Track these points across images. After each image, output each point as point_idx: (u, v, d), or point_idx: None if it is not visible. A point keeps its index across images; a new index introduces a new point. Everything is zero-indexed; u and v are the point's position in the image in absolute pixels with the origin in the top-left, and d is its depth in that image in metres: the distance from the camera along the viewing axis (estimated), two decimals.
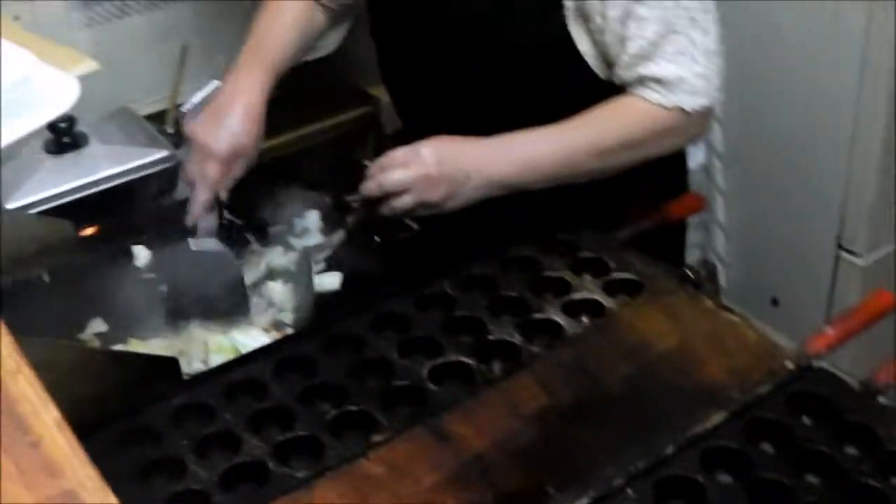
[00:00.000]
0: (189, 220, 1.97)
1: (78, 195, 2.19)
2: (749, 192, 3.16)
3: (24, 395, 0.77)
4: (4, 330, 0.85)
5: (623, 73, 1.83)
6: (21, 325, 1.48)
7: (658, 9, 1.76)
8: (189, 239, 1.93)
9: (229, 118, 1.96)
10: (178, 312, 1.89)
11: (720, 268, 3.18)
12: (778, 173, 3.05)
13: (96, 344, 1.86)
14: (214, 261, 1.90)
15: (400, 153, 1.82)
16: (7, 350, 0.82)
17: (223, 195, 1.98)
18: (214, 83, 2.06)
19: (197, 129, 1.98)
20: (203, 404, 1.53)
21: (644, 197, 1.98)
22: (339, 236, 1.91)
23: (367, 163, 1.96)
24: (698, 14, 1.78)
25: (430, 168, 1.78)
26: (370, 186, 1.82)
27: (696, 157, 2.82)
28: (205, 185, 1.95)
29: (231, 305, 1.89)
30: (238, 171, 1.98)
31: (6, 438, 0.72)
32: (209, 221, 1.97)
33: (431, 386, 1.53)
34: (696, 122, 1.87)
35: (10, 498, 0.68)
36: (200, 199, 1.96)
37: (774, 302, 3.17)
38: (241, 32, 2.14)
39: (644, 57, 1.79)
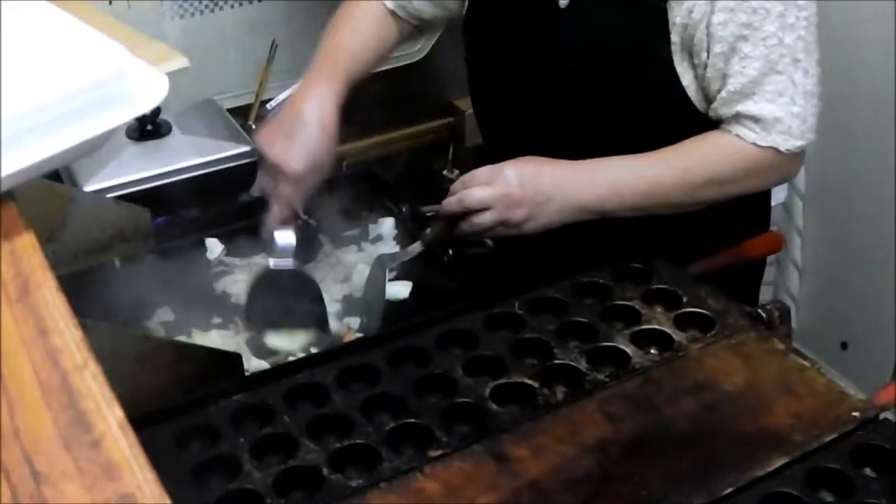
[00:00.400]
0: (265, 234, 1.95)
1: (156, 183, 2.20)
2: (826, 233, 3.14)
3: (89, 391, 0.77)
4: (73, 323, 0.84)
5: (720, 109, 1.82)
6: (90, 310, 1.50)
7: (762, 47, 1.75)
8: (270, 259, 1.92)
9: (303, 134, 1.92)
10: (256, 324, 1.90)
11: (793, 308, 3.16)
12: (856, 216, 3.02)
13: (161, 333, 1.87)
14: (293, 279, 1.90)
15: (483, 172, 1.80)
16: (75, 344, 0.82)
17: (299, 208, 1.95)
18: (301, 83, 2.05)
19: (271, 145, 1.93)
20: (263, 405, 1.53)
21: (725, 232, 1.97)
22: (415, 248, 1.89)
23: (445, 173, 1.96)
24: (801, 54, 1.77)
25: (512, 188, 1.77)
26: (451, 203, 1.81)
27: (777, 195, 2.80)
28: (281, 202, 1.93)
29: (311, 320, 1.89)
30: (312, 185, 1.95)
31: (68, 436, 0.72)
32: (286, 238, 1.95)
33: (493, 406, 1.52)
34: (789, 163, 1.85)
35: (67, 498, 0.68)
36: (277, 215, 1.93)
37: (843, 346, 3.14)
38: None
39: (743, 94, 1.78)
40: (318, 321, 1.89)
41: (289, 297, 1.87)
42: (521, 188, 1.77)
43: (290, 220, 1.94)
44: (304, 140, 1.91)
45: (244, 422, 1.51)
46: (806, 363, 1.60)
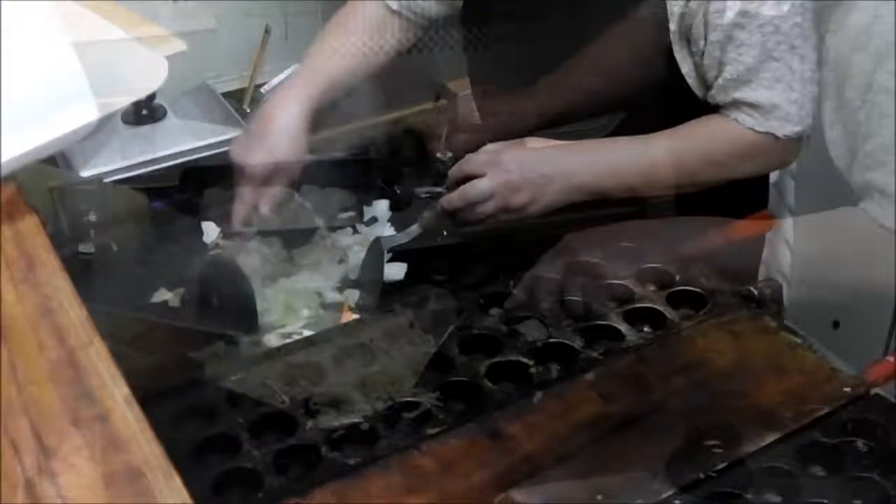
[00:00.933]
0: (230, 230, 1.98)
1: (152, 167, 2.21)
2: (817, 212, 3.13)
3: (95, 368, 0.78)
4: (78, 302, 0.86)
5: (718, 96, 1.82)
6: (87, 293, 1.51)
7: (758, 35, 1.75)
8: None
9: (268, 138, 1.94)
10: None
11: (784, 287, 3.16)
12: (847, 195, 3.02)
13: (158, 316, 1.87)
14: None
15: (480, 158, 1.81)
16: (80, 322, 0.83)
17: (264, 210, 1.97)
18: (296, 67, 2.06)
19: (237, 145, 1.97)
20: (261, 384, 1.54)
21: (722, 212, 1.98)
22: (413, 230, 1.89)
23: (439, 155, 1.96)
24: (798, 40, 1.77)
25: (511, 174, 1.77)
26: (452, 200, 1.80)
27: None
28: (241, 203, 1.96)
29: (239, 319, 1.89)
30: (277, 189, 1.96)
31: (75, 411, 0.74)
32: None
33: (488, 384, 1.53)
34: (786, 149, 1.87)
35: (76, 471, 0.69)
36: (238, 215, 1.96)
37: (835, 324, 3.14)
38: (326, 15, 2.12)
39: (741, 81, 1.78)
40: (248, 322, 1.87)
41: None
42: (520, 173, 1.77)
43: (250, 221, 1.96)
44: (267, 144, 1.94)
45: (242, 401, 1.52)
46: (797, 340, 1.62)
